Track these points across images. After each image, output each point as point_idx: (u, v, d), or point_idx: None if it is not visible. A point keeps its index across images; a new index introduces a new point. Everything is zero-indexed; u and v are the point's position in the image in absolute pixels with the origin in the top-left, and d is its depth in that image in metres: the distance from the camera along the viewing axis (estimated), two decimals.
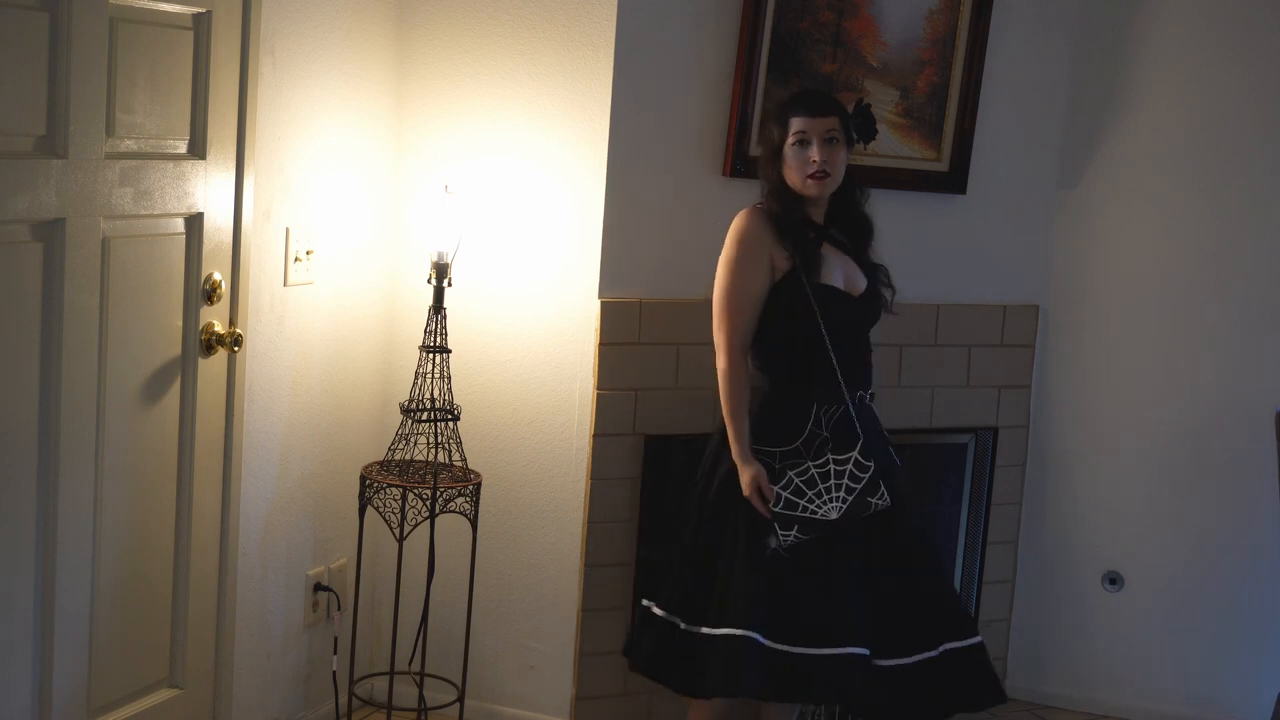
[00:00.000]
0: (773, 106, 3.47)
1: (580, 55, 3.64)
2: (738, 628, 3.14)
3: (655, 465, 3.74)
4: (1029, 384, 4.27)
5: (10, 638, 2.80)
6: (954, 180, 4.00)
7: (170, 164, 3.01)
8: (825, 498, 3.16)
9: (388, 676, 3.75)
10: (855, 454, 3.16)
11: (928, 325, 4.07)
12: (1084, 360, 4.25)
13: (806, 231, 3.27)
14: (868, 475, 3.16)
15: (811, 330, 3.21)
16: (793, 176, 3.24)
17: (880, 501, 3.19)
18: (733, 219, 3.31)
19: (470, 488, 3.58)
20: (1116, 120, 4.16)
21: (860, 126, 3.32)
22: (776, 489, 3.17)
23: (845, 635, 3.17)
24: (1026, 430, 4.28)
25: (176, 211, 3.06)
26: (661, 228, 3.69)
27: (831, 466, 3.16)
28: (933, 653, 3.26)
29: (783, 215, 3.25)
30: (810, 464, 3.17)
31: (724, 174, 3.70)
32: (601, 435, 3.70)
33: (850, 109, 3.33)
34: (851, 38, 3.80)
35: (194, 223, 3.11)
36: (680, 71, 3.69)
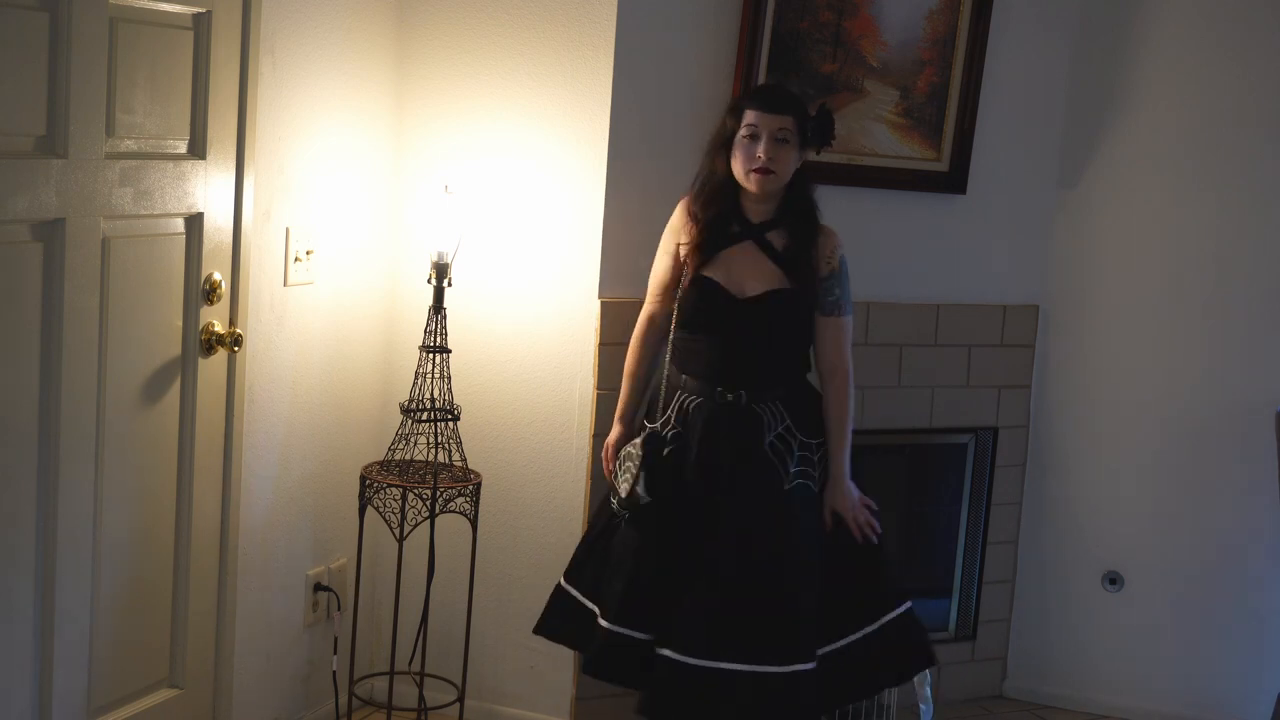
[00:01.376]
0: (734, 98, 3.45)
1: (580, 55, 3.64)
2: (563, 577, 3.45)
3: None
4: (1029, 384, 4.27)
5: (10, 638, 2.80)
6: (954, 180, 4.00)
7: (170, 164, 3.01)
8: (624, 476, 3.26)
9: (388, 676, 3.75)
10: (638, 442, 3.25)
11: (928, 325, 4.07)
12: (1084, 360, 4.25)
13: (724, 226, 3.27)
14: (638, 465, 3.22)
15: (685, 318, 3.30)
16: (737, 168, 3.25)
17: (642, 494, 3.20)
18: None
19: (470, 488, 3.58)
20: (1116, 120, 4.16)
21: (817, 130, 3.26)
22: (618, 454, 3.33)
23: (623, 616, 3.24)
24: (1026, 430, 4.28)
25: (176, 211, 3.06)
26: (662, 228, 3.68)
27: (631, 449, 3.28)
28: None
29: (701, 209, 3.30)
30: (629, 445, 3.30)
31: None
32: (601, 435, 3.69)
33: (813, 111, 3.29)
34: (851, 38, 3.80)
35: (194, 223, 3.11)
36: (680, 72, 3.69)
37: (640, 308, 3.69)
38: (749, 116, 3.23)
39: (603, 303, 3.68)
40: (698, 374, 3.30)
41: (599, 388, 3.69)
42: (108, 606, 3.01)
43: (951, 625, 4.30)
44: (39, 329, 2.76)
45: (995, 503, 4.27)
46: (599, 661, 3.30)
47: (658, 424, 3.32)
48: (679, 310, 3.32)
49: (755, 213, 3.30)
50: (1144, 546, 4.24)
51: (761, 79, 3.68)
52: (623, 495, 3.25)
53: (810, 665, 3.17)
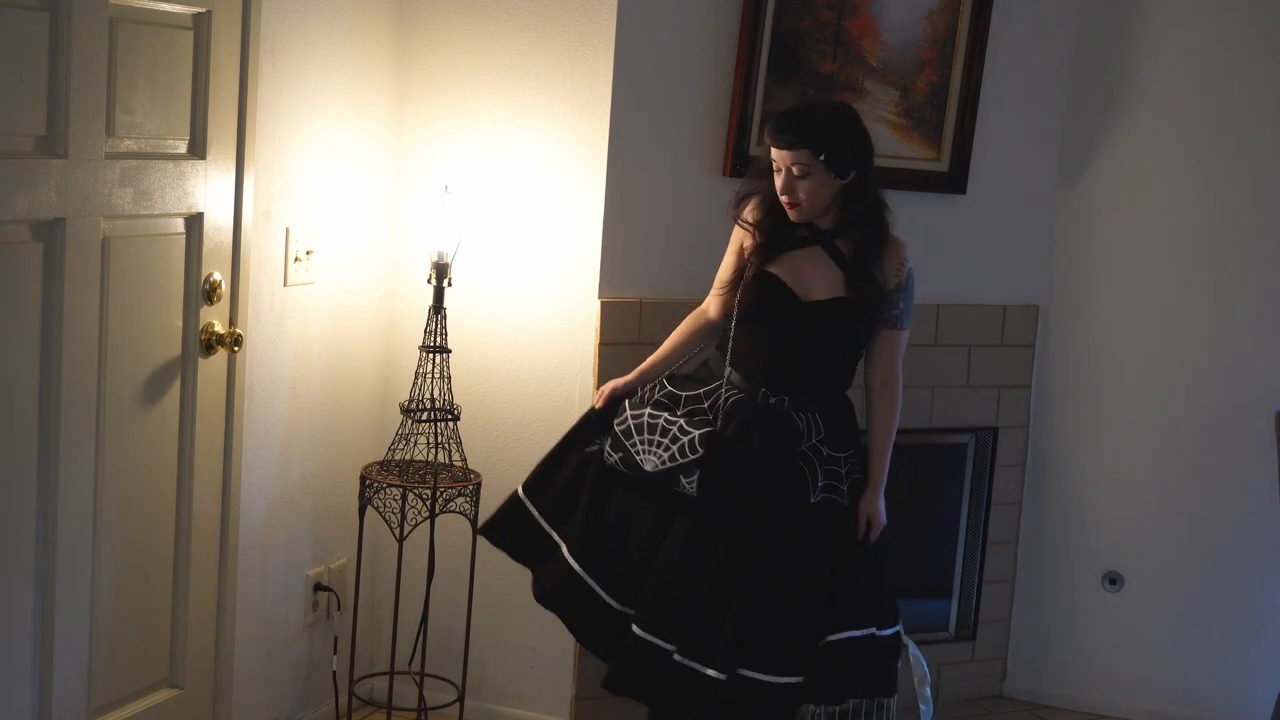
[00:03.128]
0: (776, 103, 3.39)
1: (580, 55, 3.64)
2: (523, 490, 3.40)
3: None
4: (1029, 384, 4.27)
5: (10, 638, 2.80)
6: (954, 180, 4.00)
7: (170, 164, 3.01)
8: (651, 448, 3.19)
9: (388, 676, 3.76)
10: (696, 434, 3.16)
11: (928, 325, 4.07)
12: (1084, 360, 4.25)
13: (793, 229, 3.23)
14: (691, 459, 3.14)
15: (749, 313, 3.24)
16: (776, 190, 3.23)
17: (689, 485, 3.14)
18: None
19: (470, 488, 3.58)
20: (1116, 120, 4.16)
21: (833, 162, 3.14)
22: (627, 409, 3.24)
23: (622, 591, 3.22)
24: (1026, 430, 4.28)
25: (176, 211, 3.06)
26: (661, 228, 3.69)
27: (673, 428, 3.18)
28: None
29: (762, 218, 3.25)
30: (663, 413, 3.21)
31: (724, 174, 3.70)
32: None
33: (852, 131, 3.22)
34: (851, 38, 3.80)
35: (194, 223, 3.11)
36: (680, 71, 3.69)
37: (640, 308, 3.70)
38: (771, 149, 3.18)
39: (603, 303, 3.68)
40: (744, 371, 3.24)
41: (599, 388, 3.68)
42: (108, 606, 3.01)
43: (951, 625, 4.31)
44: (39, 329, 2.76)
45: (995, 503, 4.27)
46: (558, 595, 3.28)
47: (683, 395, 3.28)
48: (739, 304, 3.25)
49: (821, 221, 3.25)
50: (1144, 546, 4.25)
51: (762, 79, 3.68)
52: (648, 470, 3.17)
53: (797, 679, 3.16)
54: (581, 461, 3.34)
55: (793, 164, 3.14)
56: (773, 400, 3.22)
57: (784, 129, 3.15)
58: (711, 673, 3.10)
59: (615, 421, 3.26)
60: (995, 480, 4.26)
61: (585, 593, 3.25)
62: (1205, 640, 4.21)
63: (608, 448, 3.27)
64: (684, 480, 3.16)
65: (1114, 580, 4.27)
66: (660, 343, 3.48)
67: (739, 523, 3.17)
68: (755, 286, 3.23)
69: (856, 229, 3.23)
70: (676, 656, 3.14)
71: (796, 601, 3.17)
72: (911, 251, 3.28)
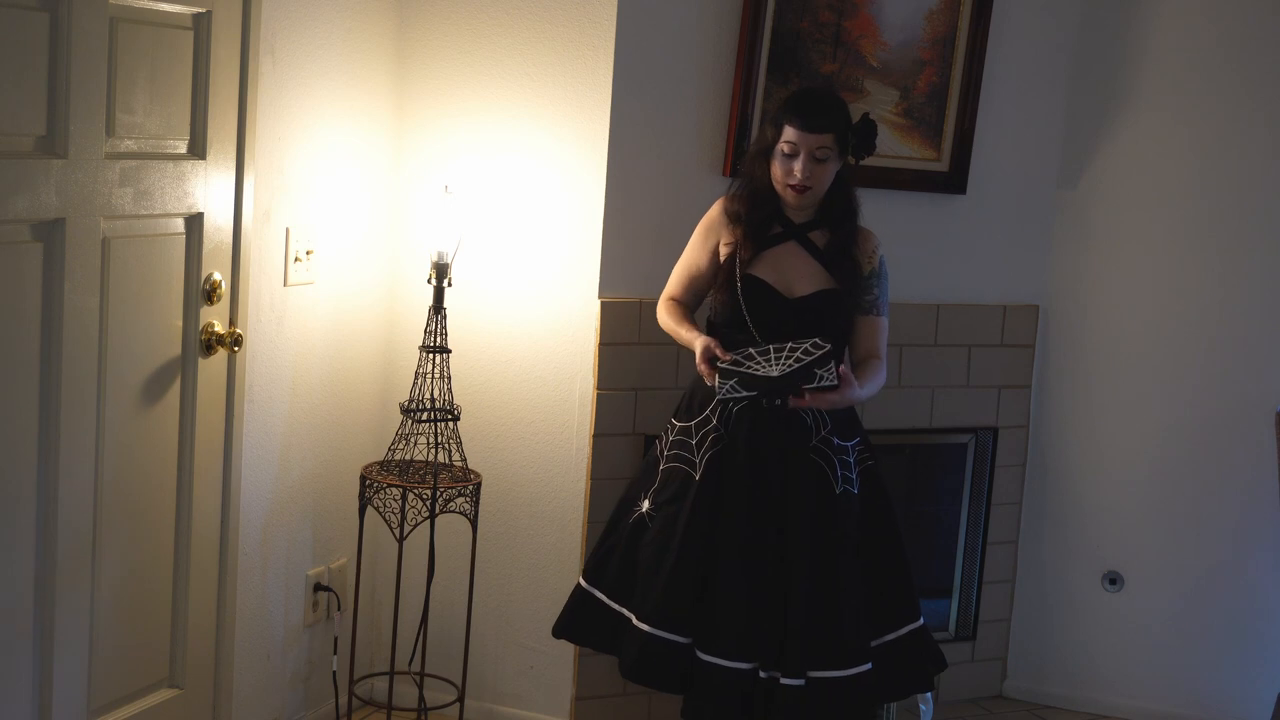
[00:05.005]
0: (776, 103, 3.43)
1: (580, 55, 3.64)
2: (583, 578, 3.38)
3: None
4: (1029, 384, 4.27)
5: (10, 638, 2.80)
6: (954, 180, 4.00)
7: (170, 164, 3.01)
8: (773, 360, 3.10)
9: (388, 676, 3.76)
10: (808, 342, 3.10)
11: (928, 325, 4.07)
12: (1084, 360, 4.25)
13: (767, 227, 3.24)
14: (821, 353, 3.07)
15: (732, 318, 3.23)
16: (776, 178, 3.22)
17: (829, 376, 3.04)
18: None
19: (470, 488, 3.58)
20: (1116, 120, 4.16)
21: (858, 145, 3.22)
22: (731, 354, 3.13)
23: (675, 624, 3.19)
24: (1026, 430, 4.28)
25: (176, 211, 3.06)
26: (662, 228, 3.68)
27: (785, 345, 3.12)
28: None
29: (744, 213, 3.26)
30: (771, 345, 3.14)
31: (724, 174, 3.70)
32: (601, 435, 3.70)
33: (856, 119, 3.24)
34: (851, 38, 3.80)
35: (194, 223, 3.11)
36: (680, 71, 3.69)
37: (640, 308, 3.69)
38: (788, 133, 3.17)
39: (603, 303, 3.68)
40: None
41: (599, 388, 3.69)
42: (108, 606, 3.01)
43: (951, 625, 4.30)
44: (39, 329, 2.76)
45: (995, 503, 4.27)
46: (640, 667, 3.23)
47: (693, 423, 3.26)
48: (725, 310, 3.24)
49: (797, 214, 3.28)
50: (1144, 546, 4.24)
51: (762, 79, 3.68)
52: (775, 375, 3.05)
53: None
54: (632, 529, 3.31)
55: (817, 148, 3.16)
56: (779, 401, 3.19)
57: (816, 112, 3.18)
58: (790, 681, 3.12)
59: (718, 363, 3.13)
60: (995, 480, 4.26)
61: (670, 649, 3.18)
62: (1205, 640, 4.21)
63: (719, 382, 3.12)
64: (820, 372, 3.05)
65: (1114, 580, 4.27)
66: (661, 338, 3.49)
67: (757, 524, 3.18)
68: (742, 291, 3.22)
69: (835, 220, 3.27)
70: (762, 673, 3.15)
71: (848, 593, 3.19)
72: (880, 242, 3.35)
